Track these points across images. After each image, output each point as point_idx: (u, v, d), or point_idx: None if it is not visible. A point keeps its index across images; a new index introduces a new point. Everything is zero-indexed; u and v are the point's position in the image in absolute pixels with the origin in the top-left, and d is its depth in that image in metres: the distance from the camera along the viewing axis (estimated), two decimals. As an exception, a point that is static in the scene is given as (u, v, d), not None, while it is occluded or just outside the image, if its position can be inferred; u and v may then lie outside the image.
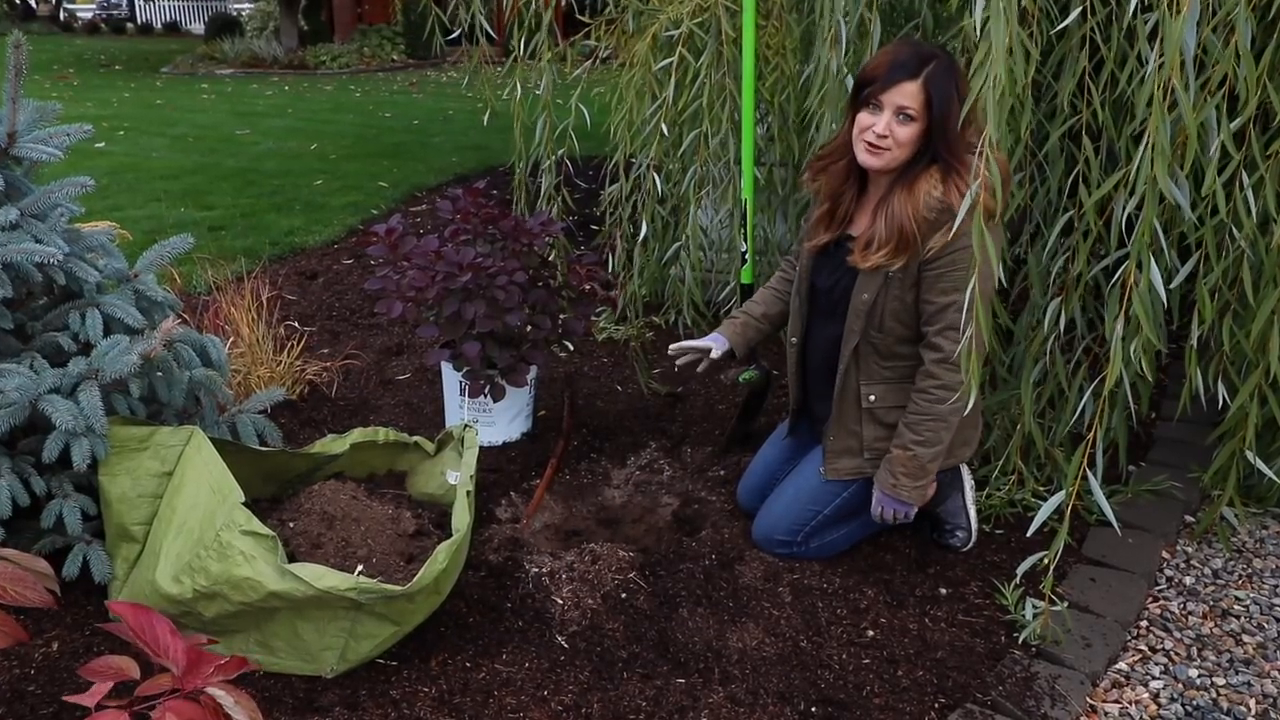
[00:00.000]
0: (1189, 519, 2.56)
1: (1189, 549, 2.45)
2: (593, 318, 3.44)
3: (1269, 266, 2.17)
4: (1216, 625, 2.16)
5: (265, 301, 3.03)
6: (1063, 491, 1.92)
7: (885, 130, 1.98)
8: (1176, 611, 2.20)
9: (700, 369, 2.40)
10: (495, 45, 4.29)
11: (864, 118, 2.02)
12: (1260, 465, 2.26)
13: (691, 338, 3.55)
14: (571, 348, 3.47)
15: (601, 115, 3.53)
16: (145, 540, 1.96)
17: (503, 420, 2.74)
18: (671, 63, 3.05)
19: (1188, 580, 2.32)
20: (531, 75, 3.51)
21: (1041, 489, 2.55)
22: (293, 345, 3.03)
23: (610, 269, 3.39)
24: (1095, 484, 1.92)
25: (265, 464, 2.20)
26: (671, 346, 2.41)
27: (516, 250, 2.62)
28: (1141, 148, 1.96)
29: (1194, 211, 2.11)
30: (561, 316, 2.69)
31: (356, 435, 2.27)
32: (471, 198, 2.68)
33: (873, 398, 2.14)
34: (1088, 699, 1.89)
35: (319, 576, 1.70)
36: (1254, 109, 2.04)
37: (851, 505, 2.21)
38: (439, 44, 4.24)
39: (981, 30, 1.62)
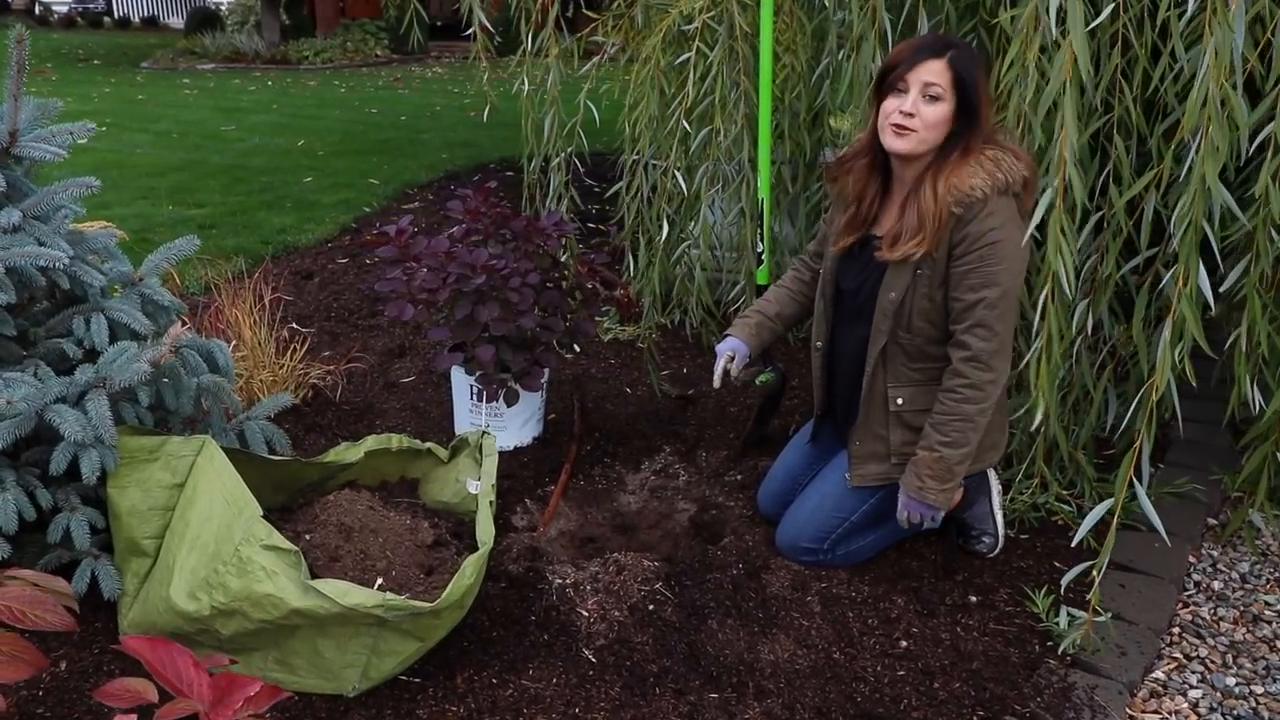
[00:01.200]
0: (1211, 521, 2.54)
1: (1214, 552, 2.42)
2: (597, 318, 3.39)
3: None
4: (1249, 631, 2.13)
5: (267, 304, 2.95)
6: (1110, 500, 1.88)
7: (912, 108, 1.93)
8: (1208, 617, 2.17)
9: (733, 375, 2.34)
10: (486, 38, 4.22)
11: (889, 103, 1.98)
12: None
13: (699, 337, 3.54)
14: (578, 349, 3.41)
15: (609, 112, 3.47)
16: (157, 554, 1.88)
17: (515, 425, 2.68)
18: (689, 58, 2.99)
19: (1216, 585, 2.29)
20: (538, 72, 3.44)
21: (1065, 492, 2.52)
22: (295, 348, 2.95)
23: (630, 269, 3.33)
24: (1142, 493, 1.88)
25: (275, 472, 2.13)
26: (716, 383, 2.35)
27: (529, 251, 2.55)
28: (1193, 148, 1.93)
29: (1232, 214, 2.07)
30: (570, 317, 2.63)
31: (370, 443, 2.20)
32: (482, 196, 2.61)
33: (900, 401, 2.09)
34: (1127, 710, 1.86)
35: (344, 593, 1.64)
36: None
37: (878, 511, 2.16)
38: (416, 39, 4.17)
39: (1057, 21, 1.56)
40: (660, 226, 3.24)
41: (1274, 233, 2.14)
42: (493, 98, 4.05)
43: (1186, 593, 2.26)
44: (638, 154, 3.36)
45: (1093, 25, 2.14)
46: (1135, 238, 2.28)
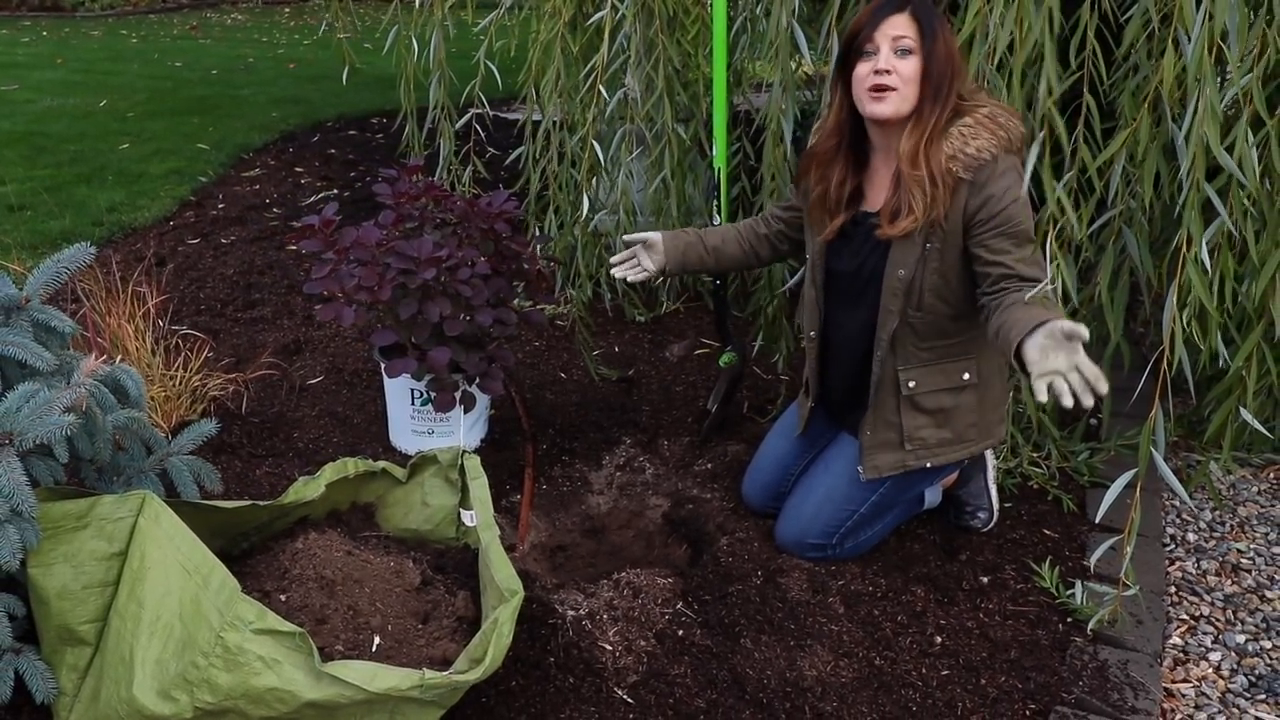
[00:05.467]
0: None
1: (1175, 502, 2.47)
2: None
3: (1272, 223, 2.16)
4: (1235, 582, 2.17)
5: (151, 309, 2.53)
6: (1130, 472, 1.85)
7: (886, 65, 1.81)
8: (1194, 572, 2.21)
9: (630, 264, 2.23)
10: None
11: (860, 68, 1.85)
12: (1256, 424, 2.26)
13: (622, 311, 3.34)
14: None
15: (503, 67, 3.16)
16: (98, 641, 1.55)
17: (463, 428, 2.42)
18: (603, 15, 2.74)
19: (1191, 537, 2.34)
20: (428, 28, 3.09)
21: (1034, 454, 2.51)
22: (187, 355, 2.56)
23: (553, 245, 3.08)
24: (1161, 462, 1.85)
25: (216, 518, 1.81)
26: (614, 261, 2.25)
27: (469, 236, 2.28)
28: (1189, 110, 1.89)
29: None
30: (525, 307, 2.38)
31: (329, 473, 1.90)
32: (410, 175, 2.31)
33: (913, 384, 1.98)
34: (1162, 683, 1.85)
35: (371, 677, 1.38)
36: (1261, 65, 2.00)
37: (888, 500, 2.06)
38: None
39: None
40: (576, 194, 3.00)
41: (1240, 190, 2.15)
42: (351, 56, 3.66)
43: (1168, 548, 2.29)
44: (540, 116, 3.10)
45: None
46: (1106, 197, 2.25)
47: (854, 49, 1.86)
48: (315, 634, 1.59)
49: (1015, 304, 1.68)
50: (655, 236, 2.20)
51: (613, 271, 2.22)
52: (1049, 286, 1.73)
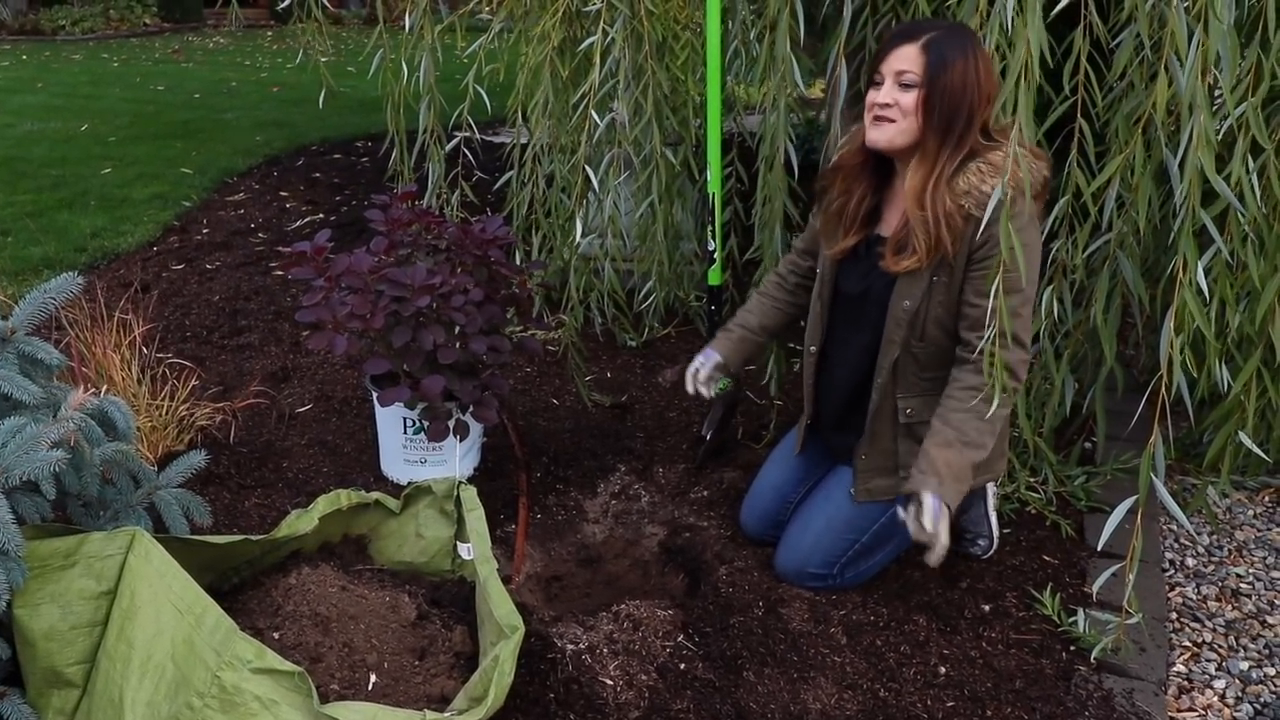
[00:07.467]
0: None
1: (1173, 526, 2.47)
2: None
3: (1270, 248, 2.17)
4: (1236, 608, 2.16)
5: (138, 337, 2.49)
6: (1131, 499, 1.84)
7: (888, 99, 1.81)
8: (1195, 598, 2.19)
9: (702, 384, 2.23)
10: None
11: (869, 96, 1.86)
12: (1254, 449, 2.26)
13: (613, 336, 3.32)
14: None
15: (495, 90, 3.15)
16: (86, 684, 1.50)
17: (454, 457, 2.38)
18: (593, 41, 2.73)
19: (1190, 562, 2.32)
20: (417, 52, 3.07)
21: (1031, 479, 2.50)
22: (174, 384, 2.51)
23: (544, 271, 3.05)
24: (1161, 488, 1.84)
25: (207, 552, 1.77)
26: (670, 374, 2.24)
27: (463, 263, 2.25)
28: (1184, 138, 1.89)
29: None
30: (517, 334, 2.35)
31: (322, 506, 1.87)
32: (404, 201, 2.28)
33: (910, 411, 1.97)
34: (1168, 713, 1.83)
35: (371, 719, 1.34)
36: (1264, 92, 2.01)
37: (888, 529, 2.04)
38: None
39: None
40: (567, 218, 2.98)
41: (1240, 216, 2.16)
42: (329, 79, 3.63)
43: (1167, 573, 2.28)
44: (526, 139, 3.08)
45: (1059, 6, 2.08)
46: (1100, 222, 2.26)
47: (871, 73, 1.87)
48: (311, 672, 1.55)
49: (940, 410, 1.90)
50: (716, 357, 2.22)
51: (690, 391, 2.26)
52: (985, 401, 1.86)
